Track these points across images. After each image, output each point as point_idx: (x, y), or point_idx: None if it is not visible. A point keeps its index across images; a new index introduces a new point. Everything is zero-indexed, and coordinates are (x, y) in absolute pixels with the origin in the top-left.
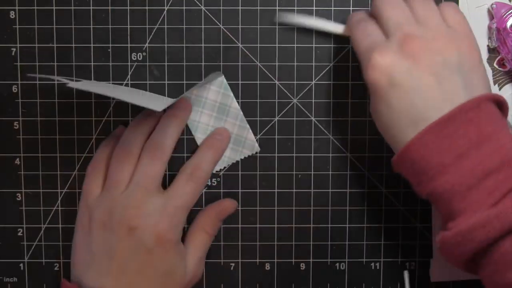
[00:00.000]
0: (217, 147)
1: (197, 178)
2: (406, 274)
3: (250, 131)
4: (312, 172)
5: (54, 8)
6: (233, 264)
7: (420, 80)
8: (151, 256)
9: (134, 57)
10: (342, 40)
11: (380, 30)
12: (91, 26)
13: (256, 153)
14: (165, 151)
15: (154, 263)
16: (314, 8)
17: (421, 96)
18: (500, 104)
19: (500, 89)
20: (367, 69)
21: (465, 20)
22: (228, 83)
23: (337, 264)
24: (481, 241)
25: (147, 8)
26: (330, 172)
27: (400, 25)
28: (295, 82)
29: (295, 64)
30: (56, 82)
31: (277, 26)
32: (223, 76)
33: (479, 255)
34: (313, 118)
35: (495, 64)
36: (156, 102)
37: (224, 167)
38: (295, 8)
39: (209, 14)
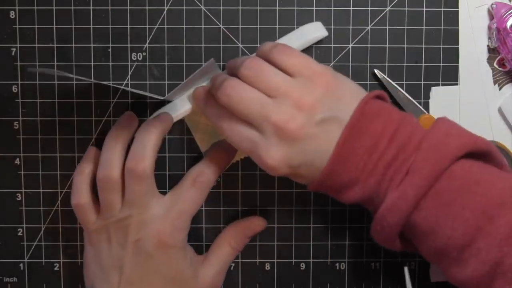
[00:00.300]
0: (222, 158)
1: (201, 184)
2: (406, 270)
3: None
4: None
5: (54, 8)
6: (233, 264)
7: (310, 148)
8: (153, 262)
9: (134, 57)
10: (342, 40)
11: (247, 125)
12: (91, 26)
13: None
14: (147, 164)
15: (158, 269)
16: (314, 8)
17: (320, 156)
18: (378, 96)
19: (500, 89)
20: (268, 171)
21: (301, 57)
22: None
23: (337, 264)
24: (394, 222)
25: (147, 8)
26: None
27: (263, 116)
28: None
29: None
30: (56, 74)
31: (277, 26)
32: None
33: (404, 234)
34: None
35: (495, 64)
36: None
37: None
38: (295, 8)
39: (209, 14)
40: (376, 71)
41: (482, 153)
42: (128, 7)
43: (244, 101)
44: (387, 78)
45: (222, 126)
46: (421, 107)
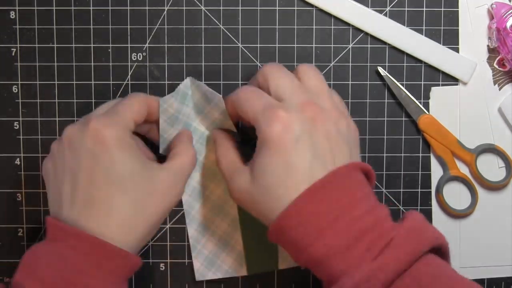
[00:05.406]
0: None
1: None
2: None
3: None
4: None
5: (54, 8)
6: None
7: (317, 143)
8: (100, 164)
9: (134, 57)
10: (342, 40)
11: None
12: (91, 26)
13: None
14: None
15: (106, 171)
16: (314, 8)
17: (318, 158)
18: (367, 172)
19: (500, 89)
20: (271, 123)
21: (345, 105)
22: (228, 83)
23: None
24: None
25: (147, 8)
26: None
27: (295, 92)
28: None
29: (295, 64)
30: None
31: (277, 26)
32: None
33: None
34: None
35: (495, 64)
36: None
37: None
38: (295, 8)
39: (209, 14)
40: (379, 68)
41: (444, 252)
42: (128, 7)
43: (284, 75)
44: (390, 76)
45: (237, 91)
46: (422, 107)
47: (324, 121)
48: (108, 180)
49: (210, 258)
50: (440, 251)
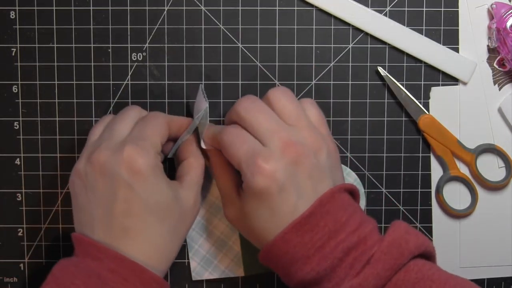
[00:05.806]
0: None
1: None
2: None
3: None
4: None
5: (54, 8)
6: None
7: (301, 183)
8: (132, 191)
9: (134, 57)
10: (342, 40)
11: (254, 137)
12: (91, 26)
13: None
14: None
15: (139, 199)
16: (314, 8)
17: (302, 197)
18: (351, 191)
19: (500, 89)
20: (254, 176)
21: (323, 117)
22: (228, 83)
23: None
24: None
25: (147, 8)
26: None
27: (274, 132)
28: (295, 82)
29: (295, 64)
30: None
31: (277, 26)
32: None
33: None
34: None
35: (495, 64)
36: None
37: None
38: (295, 8)
39: (209, 14)
40: (379, 68)
41: (429, 255)
42: (128, 7)
43: (259, 113)
44: (390, 76)
45: (222, 130)
46: (422, 107)
47: (305, 159)
48: (146, 210)
49: (207, 258)
50: (426, 254)
